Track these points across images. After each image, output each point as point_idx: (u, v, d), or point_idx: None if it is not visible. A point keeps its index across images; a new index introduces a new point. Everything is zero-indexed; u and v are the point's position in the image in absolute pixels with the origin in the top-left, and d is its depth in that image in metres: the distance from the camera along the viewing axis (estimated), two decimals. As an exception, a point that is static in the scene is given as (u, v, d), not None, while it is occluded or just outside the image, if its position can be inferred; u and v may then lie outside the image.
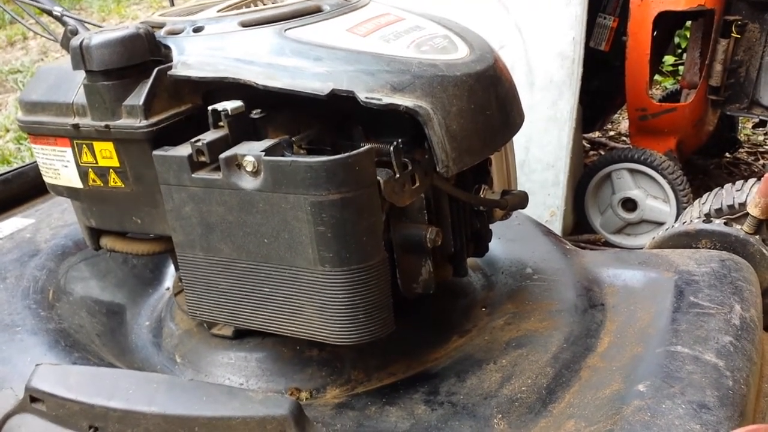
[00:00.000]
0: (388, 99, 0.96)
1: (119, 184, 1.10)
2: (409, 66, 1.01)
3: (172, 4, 1.60)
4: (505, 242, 1.44)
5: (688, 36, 2.94)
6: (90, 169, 1.12)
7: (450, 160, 1.00)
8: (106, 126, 1.06)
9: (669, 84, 4.21)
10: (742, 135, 3.69)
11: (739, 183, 1.99)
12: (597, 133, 3.74)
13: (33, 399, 1.07)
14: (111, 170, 1.10)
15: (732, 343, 1.11)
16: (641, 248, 1.72)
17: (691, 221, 1.55)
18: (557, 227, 2.68)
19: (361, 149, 0.93)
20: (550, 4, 2.54)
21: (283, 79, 0.99)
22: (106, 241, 1.22)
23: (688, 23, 3.03)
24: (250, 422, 0.96)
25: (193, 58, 1.05)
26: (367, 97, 0.96)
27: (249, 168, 0.94)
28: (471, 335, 1.23)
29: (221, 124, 1.01)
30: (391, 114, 0.98)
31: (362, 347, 1.15)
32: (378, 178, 0.97)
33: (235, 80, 1.01)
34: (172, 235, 1.05)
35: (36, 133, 1.15)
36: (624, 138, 3.79)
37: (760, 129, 3.71)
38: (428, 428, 1.04)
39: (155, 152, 1.01)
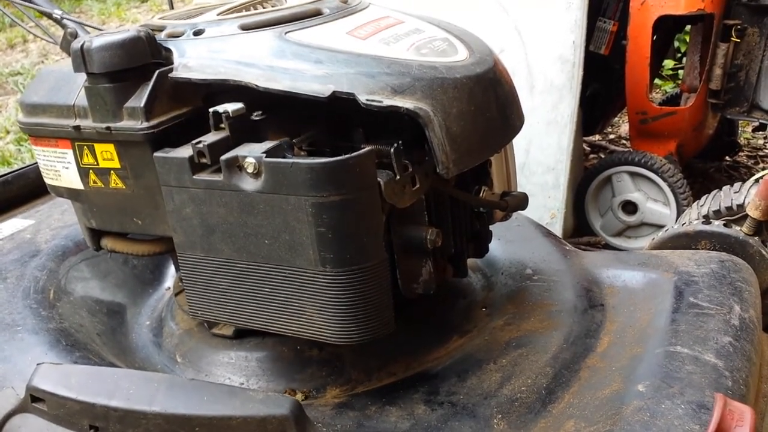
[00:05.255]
0: (388, 101, 0.97)
1: (120, 185, 1.11)
2: (410, 68, 1.02)
3: (172, 8, 1.61)
4: (504, 243, 1.45)
5: (688, 40, 2.94)
6: (91, 171, 1.12)
7: (450, 161, 1.00)
8: (108, 128, 1.07)
9: (669, 88, 4.22)
10: (742, 138, 3.69)
11: (737, 185, 2.00)
12: (597, 137, 3.75)
13: (34, 398, 1.07)
14: (112, 171, 1.10)
15: (731, 343, 1.11)
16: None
17: (690, 223, 1.56)
18: (557, 230, 2.68)
19: (362, 151, 0.93)
20: (550, 8, 2.54)
21: (284, 81, 1.00)
22: (106, 242, 1.23)
23: (688, 27, 3.04)
24: (250, 422, 0.96)
25: (193, 60, 1.06)
26: (367, 99, 0.97)
27: (250, 169, 0.95)
28: (471, 335, 1.23)
29: (222, 126, 1.01)
30: (392, 116, 0.98)
31: (362, 347, 1.15)
32: (378, 179, 0.97)
33: (236, 83, 1.02)
34: (172, 235, 1.06)
35: (37, 134, 1.16)
36: (624, 141, 3.79)
37: (760, 132, 3.71)
38: (428, 428, 1.04)
39: (156, 154, 1.02)
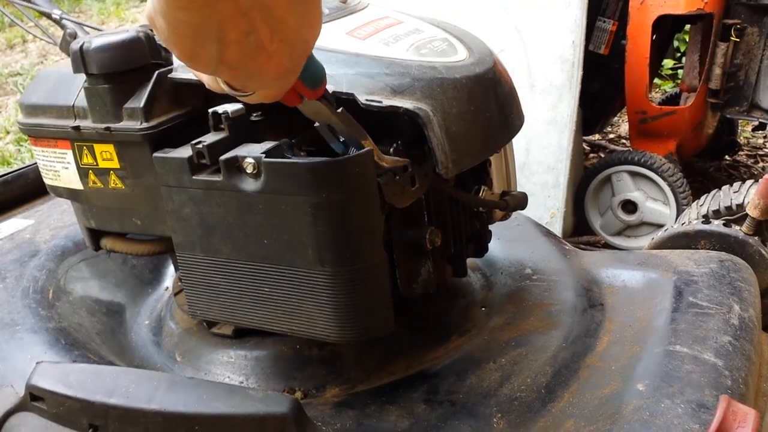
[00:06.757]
0: (388, 101, 0.97)
1: (119, 185, 1.11)
2: (409, 69, 1.02)
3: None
4: (504, 243, 1.45)
5: (688, 39, 2.95)
6: (90, 171, 1.12)
7: (449, 161, 1.00)
8: (107, 128, 1.07)
9: (668, 87, 4.23)
10: (741, 138, 3.70)
11: (736, 185, 2.00)
12: (597, 136, 3.75)
13: (33, 397, 1.07)
14: (111, 172, 1.11)
15: (731, 342, 1.11)
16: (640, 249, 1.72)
17: (689, 222, 1.56)
18: (557, 229, 2.69)
19: (361, 151, 0.93)
20: (549, 7, 2.55)
21: (283, 80, 1.00)
22: (105, 242, 1.23)
23: (688, 27, 3.05)
24: (250, 420, 0.96)
25: (193, 60, 1.06)
26: (367, 100, 0.97)
27: (249, 170, 0.95)
28: (470, 335, 1.23)
29: (222, 126, 1.01)
30: (391, 116, 0.98)
31: (362, 347, 1.16)
32: (378, 179, 0.97)
33: (236, 82, 1.01)
34: (171, 235, 1.06)
35: (37, 135, 1.16)
36: (624, 141, 3.79)
37: (760, 132, 3.71)
38: (428, 427, 1.04)
39: (156, 154, 1.02)
